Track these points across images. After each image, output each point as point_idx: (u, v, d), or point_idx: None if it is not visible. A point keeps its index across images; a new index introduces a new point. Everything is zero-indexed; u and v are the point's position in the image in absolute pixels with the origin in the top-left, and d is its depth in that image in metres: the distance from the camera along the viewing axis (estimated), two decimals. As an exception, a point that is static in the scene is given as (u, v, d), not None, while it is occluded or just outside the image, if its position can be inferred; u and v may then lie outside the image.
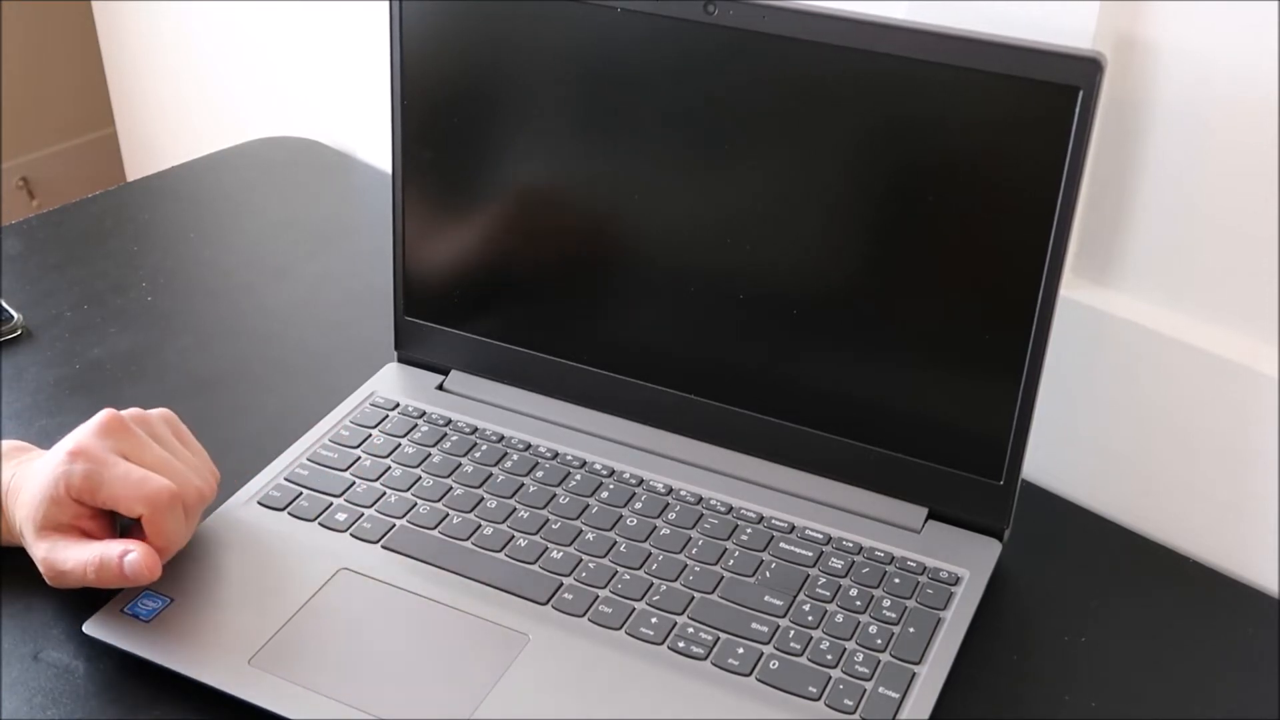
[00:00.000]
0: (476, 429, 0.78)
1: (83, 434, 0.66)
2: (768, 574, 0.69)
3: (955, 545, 0.71)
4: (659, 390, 0.77)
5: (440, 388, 0.82)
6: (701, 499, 0.73)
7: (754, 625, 0.66)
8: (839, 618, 0.66)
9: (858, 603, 0.67)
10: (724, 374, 0.75)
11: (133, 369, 0.87)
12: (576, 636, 0.65)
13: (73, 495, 0.65)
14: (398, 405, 0.80)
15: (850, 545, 0.70)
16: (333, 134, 1.20)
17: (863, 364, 0.72)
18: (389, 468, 0.75)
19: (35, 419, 0.81)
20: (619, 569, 0.69)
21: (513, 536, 0.70)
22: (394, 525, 0.71)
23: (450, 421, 0.79)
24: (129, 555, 0.63)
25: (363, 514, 0.72)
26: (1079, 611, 0.70)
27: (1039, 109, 0.63)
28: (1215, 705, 0.65)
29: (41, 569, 0.65)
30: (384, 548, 0.70)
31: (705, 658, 0.64)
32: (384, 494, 0.73)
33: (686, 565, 0.69)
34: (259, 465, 0.75)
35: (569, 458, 0.76)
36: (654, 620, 0.66)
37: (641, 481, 0.74)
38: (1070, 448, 0.78)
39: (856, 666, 0.64)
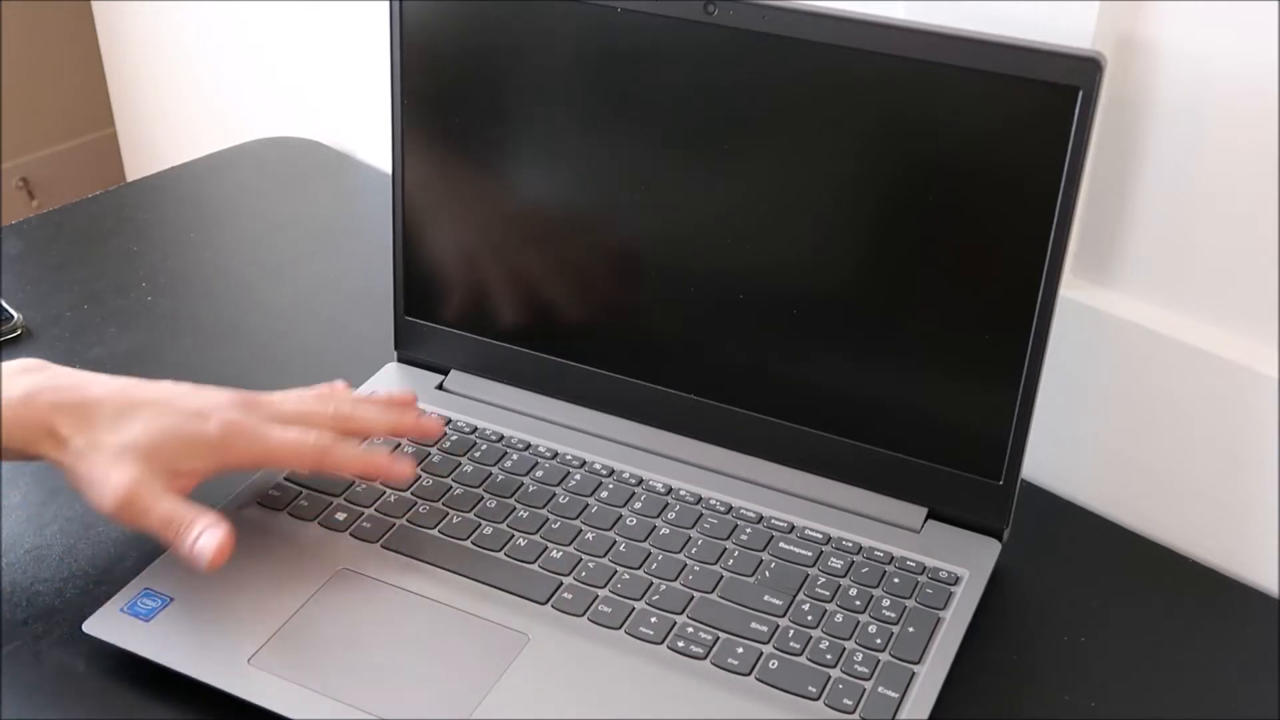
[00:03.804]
0: (476, 429, 0.78)
1: (224, 400, 0.68)
2: (767, 574, 0.69)
3: (955, 545, 0.71)
4: (659, 390, 0.77)
5: (440, 387, 0.82)
6: (701, 499, 0.73)
7: (753, 625, 0.66)
8: (838, 617, 0.66)
9: (857, 602, 0.67)
10: (724, 374, 0.75)
11: (133, 369, 0.86)
12: (576, 636, 0.65)
13: (227, 452, 0.66)
14: (397, 405, 0.80)
15: (850, 545, 0.71)
16: (333, 134, 1.20)
17: (862, 364, 0.72)
18: (389, 467, 0.75)
19: (35, 419, 0.81)
20: (618, 568, 0.69)
21: (512, 536, 0.70)
22: (394, 525, 0.71)
23: (450, 421, 0.79)
24: (205, 535, 0.64)
25: (362, 513, 0.72)
26: (1079, 611, 0.70)
27: (1039, 109, 0.63)
28: (1215, 705, 0.66)
29: (117, 491, 0.63)
30: (384, 547, 0.70)
31: (705, 657, 0.64)
32: (383, 493, 0.73)
33: (686, 565, 0.69)
34: (259, 465, 0.75)
35: (569, 457, 0.76)
36: (653, 620, 0.66)
37: (641, 481, 0.74)
38: (1070, 448, 0.78)
39: (856, 666, 0.64)
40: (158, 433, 0.65)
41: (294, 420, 0.70)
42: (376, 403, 0.75)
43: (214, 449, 0.66)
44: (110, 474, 0.64)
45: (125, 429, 0.65)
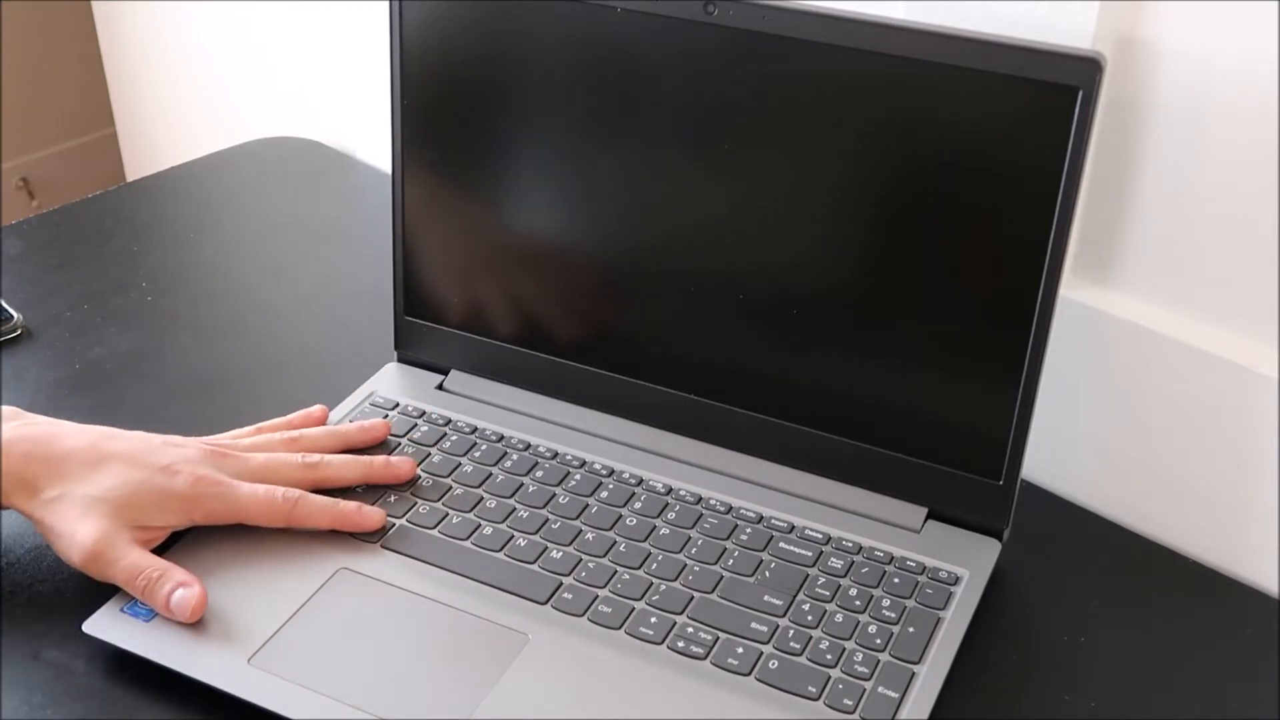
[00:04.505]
0: (476, 429, 0.78)
1: (194, 454, 0.69)
2: (767, 574, 0.69)
3: (955, 545, 0.71)
4: (659, 390, 0.77)
5: (440, 387, 0.82)
6: (701, 499, 0.73)
7: (753, 625, 0.66)
8: (838, 617, 0.66)
9: (857, 602, 0.67)
10: (724, 374, 0.75)
11: (133, 369, 0.87)
12: (576, 636, 0.65)
13: (196, 508, 0.67)
14: (397, 405, 0.80)
15: (850, 545, 0.71)
16: (333, 134, 1.20)
17: (862, 364, 0.72)
18: (389, 467, 0.75)
19: (35, 419, 0.81)
20: (618, 568, 0.69)
21: (512, 536, 0.70)
22: (394, 525, 0.71)
23: (450, 421, 0.79)
24: (180, 590, 0.64)
25: (362, 514, 0.72)
26: (1079, 611, 0.70)
27: (1039, 109, 0.63)
28: (1215, 705, 0.65)
29: (84, 544, 0.64)
30: (384, 547, 0.70)
31: (705, 657, 0.64)
32: (383, 493, 0.73)
33: (686, 565, 0.69)
34: (259, 465, 0.75)
35: (569, 458, 0.76)
36: (653, 620, 0.66)
37: (641, 481, 0.74)
38: (1070, 448, 0.78)
39: (856, 666, 0.64)
40: (128, 487, 0.66)
41: (263, 473, 0.70)
42: (345, 435, 0.75)
43: (184, 505, 0.67)
44: (78, 527, 0.65)
45: (95, 482, 0.66)
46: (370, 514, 0.70)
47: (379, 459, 0.73)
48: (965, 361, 0.69)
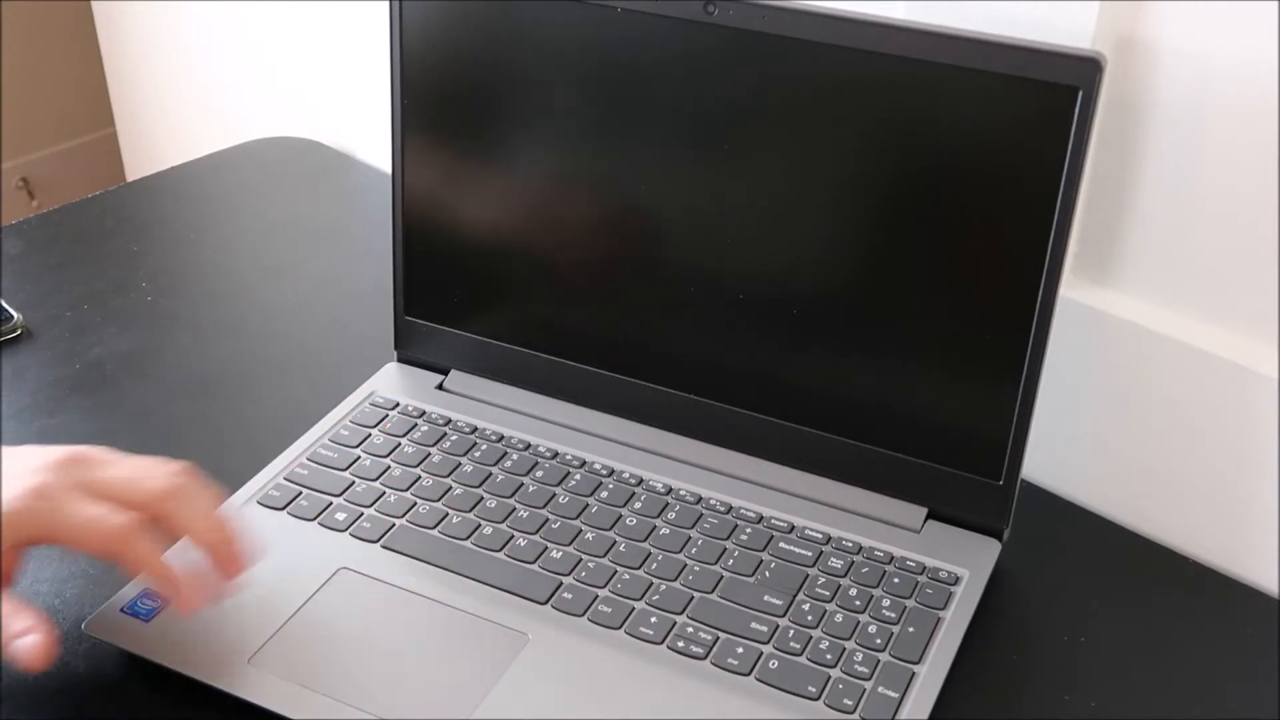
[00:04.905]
0: (476, 428, 0.78)
1: (38, 463, 0.60)
2: (767, 574, 0.69)
3: (955, 545, 0.71)
4: (659, 390, 0.77)
5: (440, 387, 0.82)
6: (701, 499, 0.73)
7: (753, 625, 0.66)
8: (838, 617, 0.66)
9: (857, 602, 0.67)
10: (724, 374, 0.75)
11: (133, 369, 0.87)
12: (576, 636, 0.65)
13: (19, 528, 0.58)
14: (397, 405, 0.80)
15: (850, 545, 0.71)
16: (333, 134, 1.20)
17: (862, 364, 0.72)
18: (389, 467, 0.75)
19: (35, 419, 0.81)
20: (618, 568, 0.69)
21: (512, 536, 0.71)
22: (394, 525, 0.71)
23: (450, 421, 0.79)
24: (27, 638, 0.58)
25: (362, 513, 0.72)
26: (1079, 611, 0.70)
27: (1039, 109, 0.63)
28: (1215, 705, 0.65)
29: None
30: (384, 547, 0.70)
31: (705, 657, 0.64)
32: (384, 493, 0.73)
33: (686, 565, 0.69)
34: (258, 465, 0.75)
35: (569, 457, 0.76)
36: (653, 620, 0.66)
37: (641, 481, 0.74)
38: (1070, 448, 0.78)
39: (856, 666, 0.64)
40: None
41: (117, 488, 0.60)
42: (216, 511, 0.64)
43: (6, 527, 0.58)
44: None
45: None
46: (193, 596, 0.61)
47: (234, 540, 0.63)
48: (965, 361, 0.69)
